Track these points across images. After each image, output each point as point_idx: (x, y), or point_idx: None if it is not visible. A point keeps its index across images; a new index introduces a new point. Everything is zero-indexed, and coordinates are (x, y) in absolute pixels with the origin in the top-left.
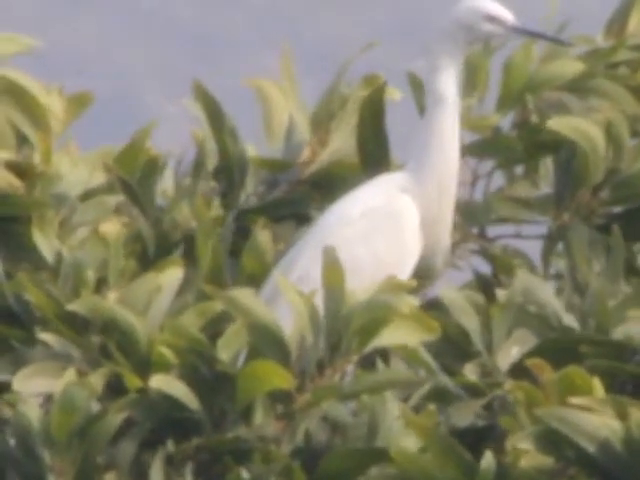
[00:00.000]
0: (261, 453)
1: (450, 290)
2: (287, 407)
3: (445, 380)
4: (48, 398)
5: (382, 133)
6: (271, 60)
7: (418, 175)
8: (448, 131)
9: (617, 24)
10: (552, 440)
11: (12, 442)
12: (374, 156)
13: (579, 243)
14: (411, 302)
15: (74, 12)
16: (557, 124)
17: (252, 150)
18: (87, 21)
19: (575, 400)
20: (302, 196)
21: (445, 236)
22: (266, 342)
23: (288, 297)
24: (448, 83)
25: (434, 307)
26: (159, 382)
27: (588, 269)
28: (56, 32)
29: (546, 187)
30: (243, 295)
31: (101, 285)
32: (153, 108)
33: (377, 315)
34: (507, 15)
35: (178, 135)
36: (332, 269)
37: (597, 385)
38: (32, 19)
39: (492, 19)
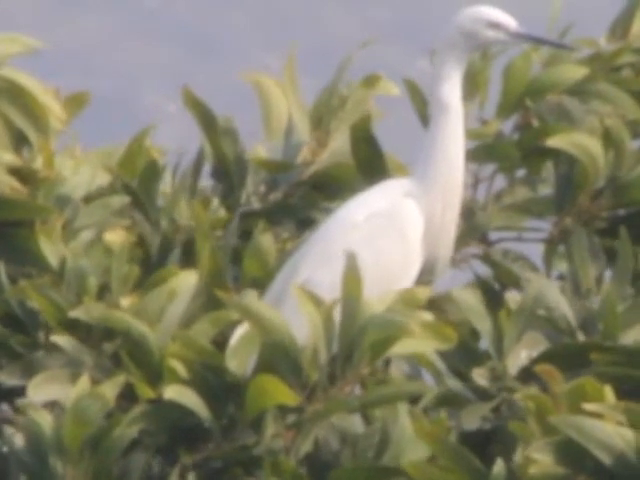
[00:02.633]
0: (270, 463)
1: (464, 291)
2: (297, 417)
3: (454, 384)
4: (54, 404)
5: (376, 150)
6: (271, 60)
7: (423, 182)
8: (452, 140)
9: (621, 26)
10: (568, 450)
11: (23, 448)
12: (370, 169)
13: (580, 248)
14: (425, 318)
15: (75, 12)
16: (557, 141)
17: (257, 149)
18: (88, 21)
19: (587, 406)
20: (304, 201)
21: (448, 245)
22: (279, 354)
23: (305, 309)
24: (452, 92)
25: (434, 305)
26: (173, 393)
27: (588, 274)
28: (56, 32)
29: (547, 189)
30: (257, 304)
31: (104, 291)
32: (153, 108)
33: (390, 333)
34: (510, 21)
35: (177, 135)
36: (351, 277)
37: (609, 394)
38: (32, 19)
39: (495, 26)
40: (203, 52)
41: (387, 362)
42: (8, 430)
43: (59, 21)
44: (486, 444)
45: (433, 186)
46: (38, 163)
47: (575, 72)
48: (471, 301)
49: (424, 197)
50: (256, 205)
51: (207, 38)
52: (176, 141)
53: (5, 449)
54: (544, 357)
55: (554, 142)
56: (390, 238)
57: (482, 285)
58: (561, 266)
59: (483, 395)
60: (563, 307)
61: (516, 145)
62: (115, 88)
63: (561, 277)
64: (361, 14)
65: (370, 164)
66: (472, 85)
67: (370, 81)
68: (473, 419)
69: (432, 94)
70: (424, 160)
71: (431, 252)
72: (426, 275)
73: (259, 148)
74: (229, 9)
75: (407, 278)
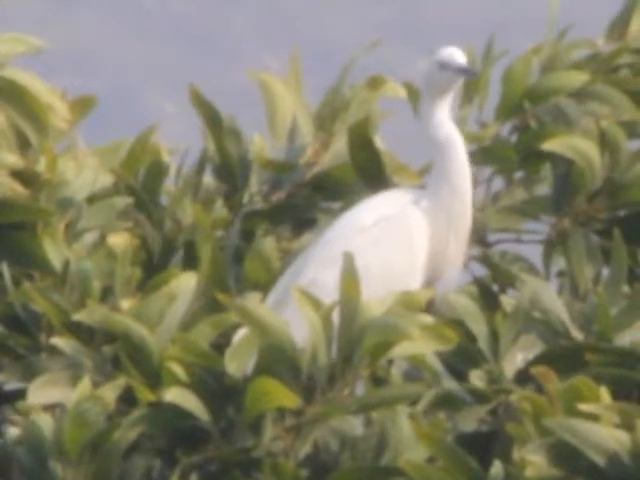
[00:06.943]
0: (270, 465)
1: (461, 296)
2: (296, 420)
3: (452, 385)
4: (55, 406)
5: (373, 153)
6: (271, 60)
7: (432, 200)
8: (454, 172)
9: (619, 27)
10: (563, 452)
11: (24, 450)
12: (368, 172)
13: (577, 249)
14: (425, 320)
15: (74, 11)
16: (553, 145)
17: (259, 141)
18: (87, 20)
19: (583, 407)
20: (306, 201)
21: (457, 263)
22: (278, 357)
23: (304, 311)
24: (439, 128)
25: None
26: (174, 396)
27: (585, 275)
28: (56, 31)
29: (545, 191)
30: (257, 306)
31: (107, 294)
32: (152, 108)
33: (389, 338)
34: (456, 59)
35: (176, 135)
36: (349, 278)
37: (604, 395)
38: (31, 18)
39: (444, 66)
40: (203, 52)
41: (390, 361)
42: (9, 432)
43: (58, 21)
44: (486, 447)
45: (441, 209)
46: (41, 165)
47: (575, 78)
48: (467, 304)
49: (432, 215)
50: (259, 205)
51: (207, 38)
52: (175, 141)
53: (6, 451)
54: (540, 359)
55: (550, 145)
56: (396, 243)
57: (480, 286)
58: (561, 263)
59: (480, 397)
60: (559, 309)
61: (514, 147)
62: (114, 88)
63: (561, 273)
64: (361, 14)
65: (368, 167)
66: (472, 88)
67: (374, 83)
68: (470, 421)
69: (424, 134)
70: (433, 184)
71: (437, 270)
72: (431, 278)
73: (259, 141)
74: (229, 9)
75: (412, 283)
